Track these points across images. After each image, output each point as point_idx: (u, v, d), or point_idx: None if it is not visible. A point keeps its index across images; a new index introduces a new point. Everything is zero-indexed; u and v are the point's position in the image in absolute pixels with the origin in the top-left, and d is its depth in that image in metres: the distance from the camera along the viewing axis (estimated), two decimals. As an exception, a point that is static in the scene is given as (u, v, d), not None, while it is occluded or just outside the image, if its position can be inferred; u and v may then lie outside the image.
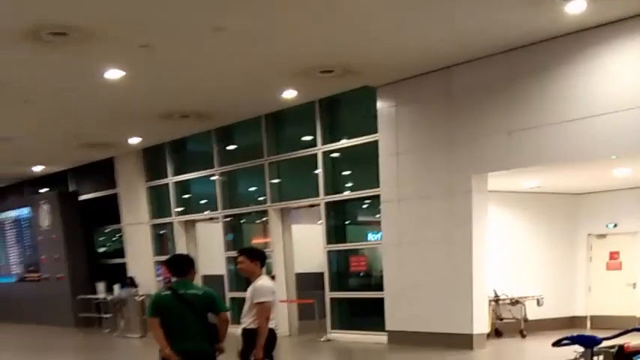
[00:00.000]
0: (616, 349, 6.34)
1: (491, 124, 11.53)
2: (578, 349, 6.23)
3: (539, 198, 14.68)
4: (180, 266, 6.47)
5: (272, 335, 6.70)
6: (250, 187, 16.98)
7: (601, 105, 10.20)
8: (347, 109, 14.57)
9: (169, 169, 18.21)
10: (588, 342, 6.03)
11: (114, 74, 11.56)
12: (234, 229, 17.10)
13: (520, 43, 10.82)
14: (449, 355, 11.77)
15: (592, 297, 15.19)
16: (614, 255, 15.07)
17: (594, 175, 13.05)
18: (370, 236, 14.67)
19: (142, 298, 16.76)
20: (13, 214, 23.25)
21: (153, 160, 18.76)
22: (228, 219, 16.88)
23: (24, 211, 22.60)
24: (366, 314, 14.55)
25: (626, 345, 6.34)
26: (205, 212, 17.67)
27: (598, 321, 14.72)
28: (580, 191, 15.00)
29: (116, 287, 18.15)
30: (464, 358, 11.67)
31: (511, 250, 14.36)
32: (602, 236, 15.17)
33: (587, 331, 13.46)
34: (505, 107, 11.35)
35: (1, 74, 11.60)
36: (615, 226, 14.88)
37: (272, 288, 6.79)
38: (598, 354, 6.24)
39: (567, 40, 10.46)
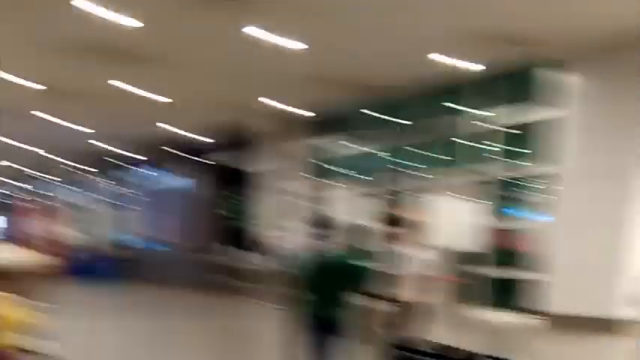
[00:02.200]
0: None
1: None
2: None
3: None
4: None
5: (426, 308, 6.63)
6: (415, 161, 16.81)
7: None
8: (530, 84, 14.05)
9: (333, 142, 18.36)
10: None
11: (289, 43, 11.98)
12: (392, 204, 16.93)
13: None
14: (613, 340, 11.41)
15: None
16: None
17: None
18: (533, 216, 14.25)
19: (279, 267, 16.77)
20: (163, 182, 24.14)
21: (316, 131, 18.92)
22: (387, 194, 16.73)
23: (171, 179, 23.42)
24: (522, 295, 14.16)
25: None
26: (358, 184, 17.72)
27: None
28: None
29: (254, 255, 18.64)
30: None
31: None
32: None
33: None
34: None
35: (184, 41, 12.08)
36: None
37: (427, 261, 6.74)
38: None
39: None
